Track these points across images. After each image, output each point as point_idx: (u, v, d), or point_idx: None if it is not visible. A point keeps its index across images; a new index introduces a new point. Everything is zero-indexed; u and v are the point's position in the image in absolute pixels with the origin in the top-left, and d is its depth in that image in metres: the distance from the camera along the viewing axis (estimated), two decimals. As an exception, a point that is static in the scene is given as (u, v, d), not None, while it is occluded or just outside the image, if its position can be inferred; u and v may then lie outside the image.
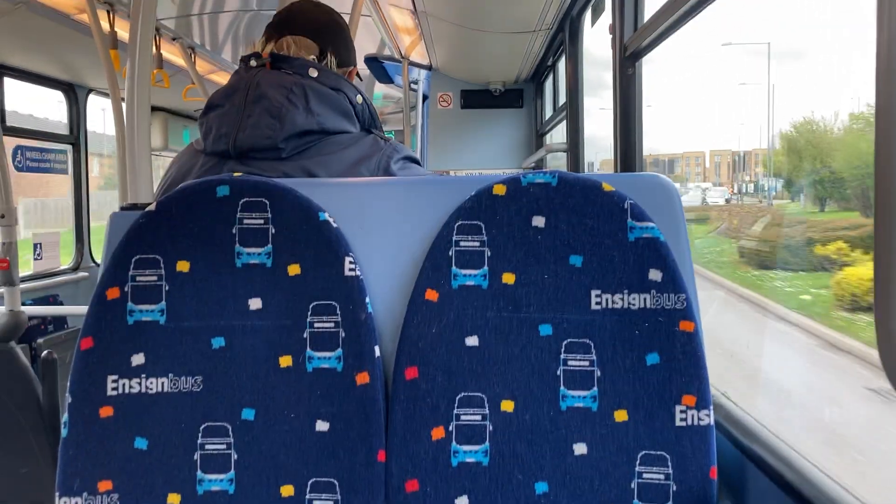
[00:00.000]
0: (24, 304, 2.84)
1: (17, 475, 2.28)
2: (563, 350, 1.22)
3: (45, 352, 2.29)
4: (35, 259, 4.43)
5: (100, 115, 5.28)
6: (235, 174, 1.29)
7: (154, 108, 5.60)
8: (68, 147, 4.77)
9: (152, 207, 1.25)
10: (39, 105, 4.74)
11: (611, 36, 2.35)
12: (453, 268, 1.24)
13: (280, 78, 1.53)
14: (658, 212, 1.26)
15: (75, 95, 4.74)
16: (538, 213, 1.25)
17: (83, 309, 1.25)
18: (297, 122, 1.48)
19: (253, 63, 1.58)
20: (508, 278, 1.24)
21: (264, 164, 1.48)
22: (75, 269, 4.82)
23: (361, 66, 4.96)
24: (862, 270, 3.88)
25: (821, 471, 1.06)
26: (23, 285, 2.86)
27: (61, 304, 4.43)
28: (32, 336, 3.84)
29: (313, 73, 1.55)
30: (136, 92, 1.46)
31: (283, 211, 1.25)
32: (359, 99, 1.61)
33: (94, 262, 4.95)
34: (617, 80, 2.25)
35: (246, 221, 1.25)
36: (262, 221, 1.25)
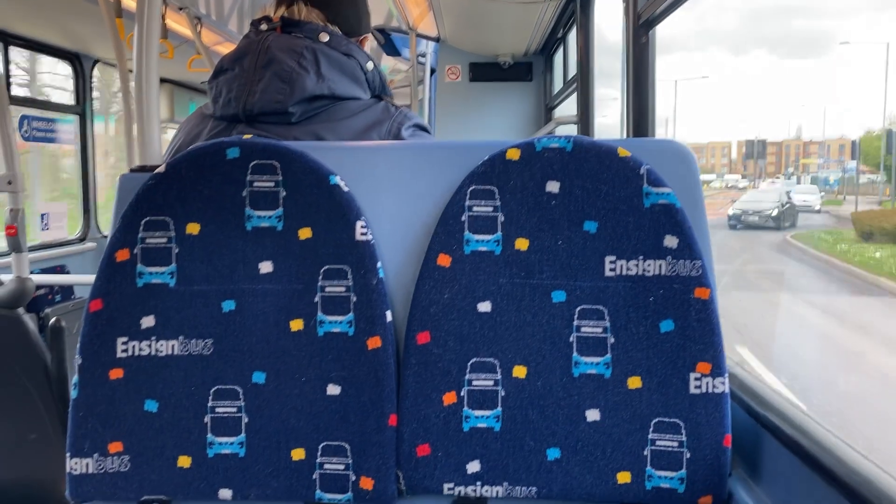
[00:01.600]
0: (31, 273, 2.84)
1: (27, 441, 2.29)
2: (576, 316, 1.21)
3: (53, 319, 2.28)
4: (42, 230, 4.43)
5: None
6: (246, 136, 1.27)
7: (160, 80, 5.56)
8: (75, 117, 4.75)
9: (162, 169, 1.24)
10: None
11: (623, 4, 2.32)
12: (466, 233, 1.23)
13: (291, 42, 1.51)
14: (674, 178, 1.24)
15: (81, 65, 4.71)
16: (552, 178, 1.23)
17: (90, 278, 1.24)
18: (308, 86, 1.46)
19: (263, 27, 1.56)
20: (522, 244, 1.23)
21: (274, 129, 1.46)
22: (82, 239, 4.82)
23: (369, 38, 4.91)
24: None
25: (838, 438, 1.04)
26: (30, 255, 2.85)
27: (69, 274, 4.43)
28: (40, 306, 3.84)
29: (324, 37, 1.53)
30: (143, 56, 1.45)
31: (294, 174, 1.23)
32: (370, 66, 1.59)
33: (100, 233, 4.94)
34: (630, 49, 2.21)
35: (256, 184, 1.23)
36: (272, 184, 1.23)
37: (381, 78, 1.63)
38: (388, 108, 1.56)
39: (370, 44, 5.03)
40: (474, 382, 1.21)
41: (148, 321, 1.22)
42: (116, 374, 1.21)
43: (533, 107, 5.18)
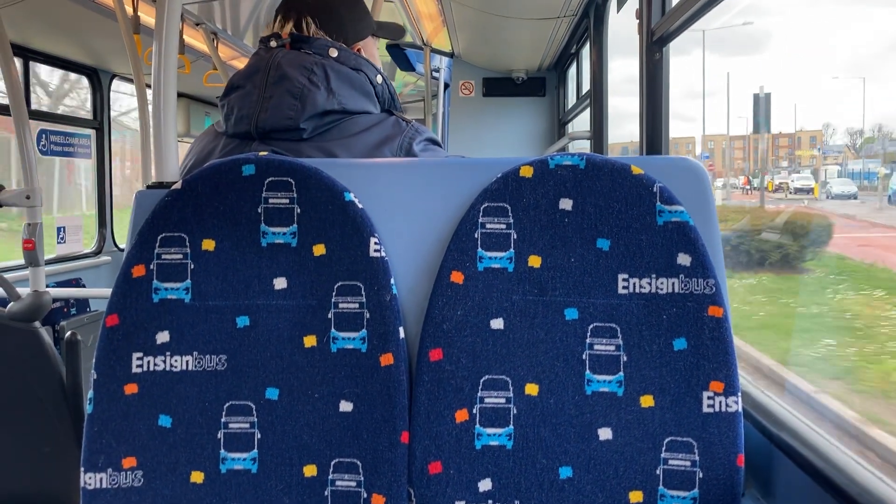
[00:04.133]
0: (47, 286, 2.86)
1: (41, 454, 2.30)
2: (588, 334, 1.21)
3: (69, 333, 2.30)
4: (59, 243, 4.47)
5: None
6: (261, 153, 1.29)
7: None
8: (92, 132, 4.80)
9: (178, 186, 1.25)
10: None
11: (637, 21, 2.33)
12: (479, 250, 1.23)
13: (300, 58, 1.52)
14: (687, 196, 1.24)
15: (99, 80, 4.77)
16: (565, 195, 1.23)
17: (106, 291, 1.25)
18: (319, 102, 1.47)
19: (273, 44, 1.57)
20: (535, 261, 1.23)
21: (286, 145, 1.47)
22: (98, 252, 4.86)
23: (382, 53, 4.94)
24: None
25: (852, 458, 1.04)
26: (46, 268, 2.88)
27: (84, 287, 4.46)
28: (55, 318, 3.88)
29: (333, 52, 1.55)
30: (161, 72, 1.46)
31: (309, 191, 1.24)
32: (378, 79, 1.60)
33: (116, 246, 4.98)
34: (643, 66, 2.22)
35: (271, 201, 1.24)
36: (287, 201, 1.24)
37: (391, 91, 1.64)
38: (399, 123, 1.57)
39: (384, 58, 5.05)
40: (486, 400, 1.21)
41: (163, 336, 1.23)
42: (131, 389, 1.22)
43: (546, 122, 5.19)
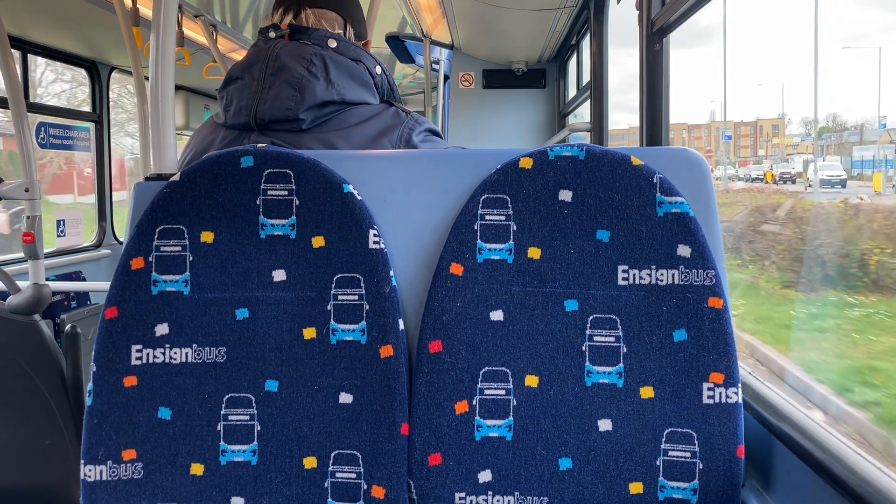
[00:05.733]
0: (47, 279, 2.86)
1: (42, 446, 2.31)
2: (588, 326, 1.21)
3: (69, 326, 2.30)
4: (59, 236, 4.47)
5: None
6: (260, 145, 1.28)
7: (175, 87, 5.58)
8: (90, 124, 4.79)
9: (176, 178, 1.25)
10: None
11: (637, 12, 2.32)
12: (478, 241, 1.23)
13: (299, 49, 1.51)
14: (687, 186, 1.24)
15: (98, 73, 4.76)
16: (565, 186, 1.23)
17: (106, 285, 1.25)
18: (318, 92, 1.47)
19: (272, 35, 1.57)
20: (534, 253, 1.23)
21: (285, 136, 1.47)
22: (97, 246, 4.86)
23: (383, 45, 4.93)
24: None
25: (852, 449, 1.04)
26: (46, 261, 2.88)
27: (84, 280, 4.46)
28: (56, 311, 3.88)
29: (332, 43, 1.54)
30: (160, 65, 1.46)
31: (307, 182, 1.24)
32: (378, 70, 1.60)
33: (116, 239, 4.98)
34: (644, 56, 2.21)
35: (270, 192, 1.24)
36: (286, 193, 1.24)
37: (390, 82, 1.63)
38: (398, 114, 1.57)
39: (385, 51, 5.04)
40: (486, 391, 1.21)
41: (162, 329, 1.23)
42: (131, 381, 1.22)
43: (546, 114, 5.18)
